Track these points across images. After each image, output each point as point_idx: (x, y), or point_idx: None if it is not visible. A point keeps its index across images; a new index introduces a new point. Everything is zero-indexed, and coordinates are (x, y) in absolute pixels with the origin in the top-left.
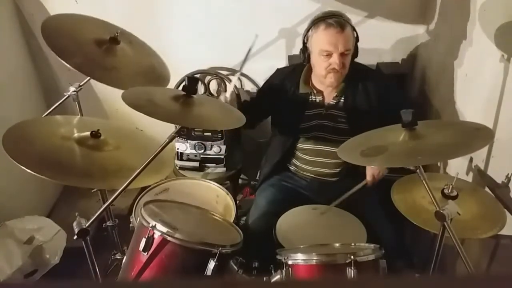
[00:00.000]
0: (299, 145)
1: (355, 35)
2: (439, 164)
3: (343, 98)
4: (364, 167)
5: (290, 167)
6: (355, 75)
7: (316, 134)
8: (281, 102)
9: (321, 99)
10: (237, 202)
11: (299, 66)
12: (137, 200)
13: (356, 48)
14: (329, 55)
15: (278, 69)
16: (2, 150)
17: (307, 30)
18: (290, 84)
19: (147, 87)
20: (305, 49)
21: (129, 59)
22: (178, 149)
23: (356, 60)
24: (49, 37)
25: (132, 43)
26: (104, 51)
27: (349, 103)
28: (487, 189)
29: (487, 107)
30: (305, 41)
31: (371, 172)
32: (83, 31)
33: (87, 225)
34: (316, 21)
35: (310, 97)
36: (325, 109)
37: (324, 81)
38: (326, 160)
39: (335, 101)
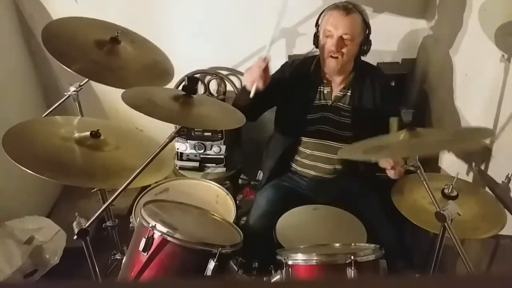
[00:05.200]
0: (301, 138)
1: (366, 29)
2: (439, 164)
3: (349, 91)
4: (363, 167)
5: (291, 164)
6: (363, 71)
7: (319, 127)
8: (290, 93)
9: (329, 90)
10: (237, 202)
11: (310, 57)
12: (137, 200)
13: (366, 42)
14: (330, 36)
15: (286, 62)
16: (2, 150)
17: (320, 13)
18: (301, 74)
19: (147, 87)
20: (316, 32)
21: (132, 58)
22: (178, 149)
23: None
24: (51, 44)
25: (134, 41)
26: (106, 52)
27: (355, 97)
28: (487, 189)
29: (487, 107)
30: (317, 24)
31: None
32: (83, 34)
33: (86, 225)
34: (330, 5)
35: (319, 87)
36: (332, 101)
37: (325, 65)
38: (326, 155)
39: (342, 94)
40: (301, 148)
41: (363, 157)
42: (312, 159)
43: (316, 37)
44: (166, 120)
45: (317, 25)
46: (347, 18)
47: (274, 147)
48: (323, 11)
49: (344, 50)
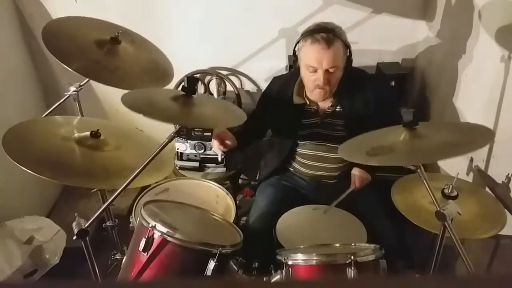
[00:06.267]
0: (298, 150)
1: (347, 51)
2: (439, 164)
3: (339, 106)
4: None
5: (289, 168)
6: (351, 82)
7: (311, 142)
8: (278, 111)
9: (316, 108)
10: (237, 202)
11: (293, 76)
12: (137, 200)
13: (349, 62)
14: (314, 70)
15: (274, 78)
16: (2, 150)
17: (297, 42)
18: (286, 94)
19: (146, 89)
20: (296, 59)
21: (131, 58)
22: (178, 149)
23: (357, 60)
24: (51, 43)
25: (134, 41)
26: (105, 52)
27: (347, 111)
28: (487, 189)
29: (487, 107)
30: (296, 51)
31: (359, 176)
32: (83, 34)
33: (86, 225)
34: (305, 34)
35: (305, 107)
36: (320, 118)
37: (311, 94)
38: (324, 165)
39: (331, 110)
40: (299, 158)
41: (367, 160)
42: (310, 168)
43: (296, 64)
44: (166, 121)
45: (294, 54)
46: (330, 51)
47: (272, 156)
48: (299, 39)
49: (331, 81)
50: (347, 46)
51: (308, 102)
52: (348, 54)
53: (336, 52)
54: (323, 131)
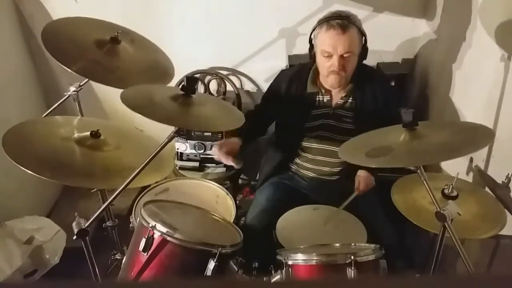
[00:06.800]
0: (302, 143)
1: (362, 38)
2: (439, 164)
3: (351, 98)
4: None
5: (291, 166)
6: (363, 76)
7: (320, 133)
8: (288, 103)
9: (329, 98)
10: (237, 202)
11: (305, 66)
12: (137, 200)
13: (364, 50)
14: (329, 56)
15: (282, 71)
16: (2, 150)
17: (313, 29)
18: (297, 85)
19: (146, 86)
20: (311, 48)
21: (131, 58)
22: (178, 149)
23: None
24: (50, 44)
25: (134, 41)
26: (105, 52)
27: (358, 104)
28: (487, 189)
29: (487, 107)
30: (311, 39)
31: (363, 177)
32: (83, 34)
33: (86, 225)
34: (321, 21)
35: (317, 96)
36: (332, 108)
37: (326, 81)
38: (328, 159)
39: (343, 101)
40: (302, 153)
41: (367, 162)
42: (314, 163)
43: (312, 52)
44: (165, 122)
45: (310, 41)
46: (345, 37)
47: (274, 152)
48: (315, 27)
49: (347, 67)
50: (362, 33)
51: (322, 91)
52: (363, 42)
53: (351, 38)
54: (332, 122)
